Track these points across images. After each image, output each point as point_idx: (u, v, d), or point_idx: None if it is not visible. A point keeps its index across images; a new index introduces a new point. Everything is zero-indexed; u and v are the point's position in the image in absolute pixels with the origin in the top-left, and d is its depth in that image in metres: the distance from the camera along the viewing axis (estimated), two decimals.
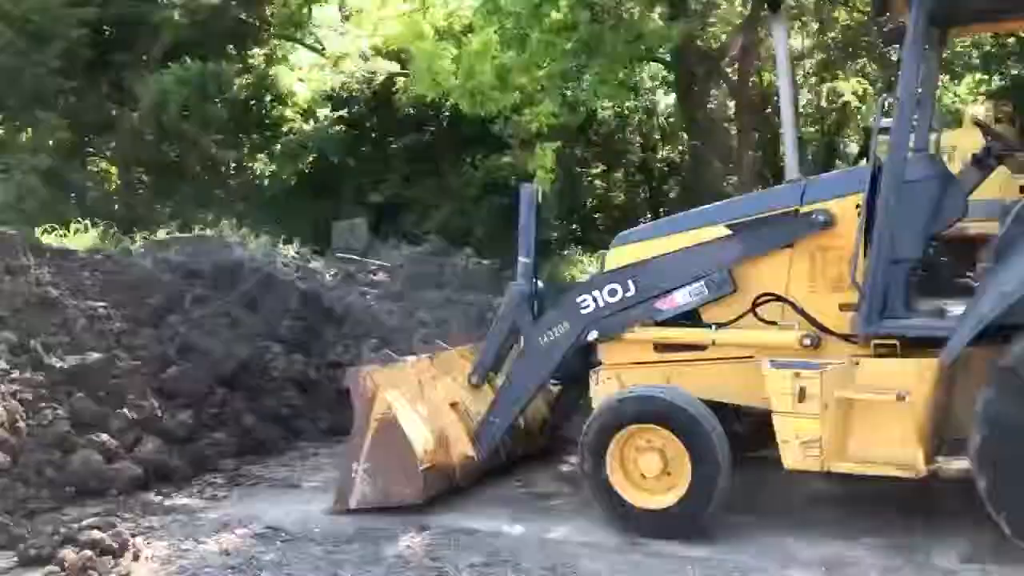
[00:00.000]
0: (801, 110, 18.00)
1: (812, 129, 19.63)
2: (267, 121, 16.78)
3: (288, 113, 16.77)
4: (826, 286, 4.71)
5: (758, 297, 4.88)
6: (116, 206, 15.91)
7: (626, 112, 19.50)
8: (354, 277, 12.06)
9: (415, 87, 11.95)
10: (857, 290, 4.47)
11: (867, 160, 4.79)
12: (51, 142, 14.11)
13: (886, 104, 4.50)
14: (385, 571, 4.32)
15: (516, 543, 4.66)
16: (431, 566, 4.36)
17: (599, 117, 17.74)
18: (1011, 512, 4.06)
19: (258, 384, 7.74)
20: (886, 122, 4.47)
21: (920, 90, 4.70)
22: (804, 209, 4.74)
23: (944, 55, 8.35)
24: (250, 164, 16.98)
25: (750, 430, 5.15)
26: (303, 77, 17.01)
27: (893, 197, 4.39)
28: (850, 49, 16.29)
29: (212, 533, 4.85)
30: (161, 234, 12.07)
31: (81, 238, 11.59)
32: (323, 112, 16.49)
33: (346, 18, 16.97)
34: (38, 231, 11.10)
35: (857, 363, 4.47)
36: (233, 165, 16.88)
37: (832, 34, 16.60)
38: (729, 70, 15.37)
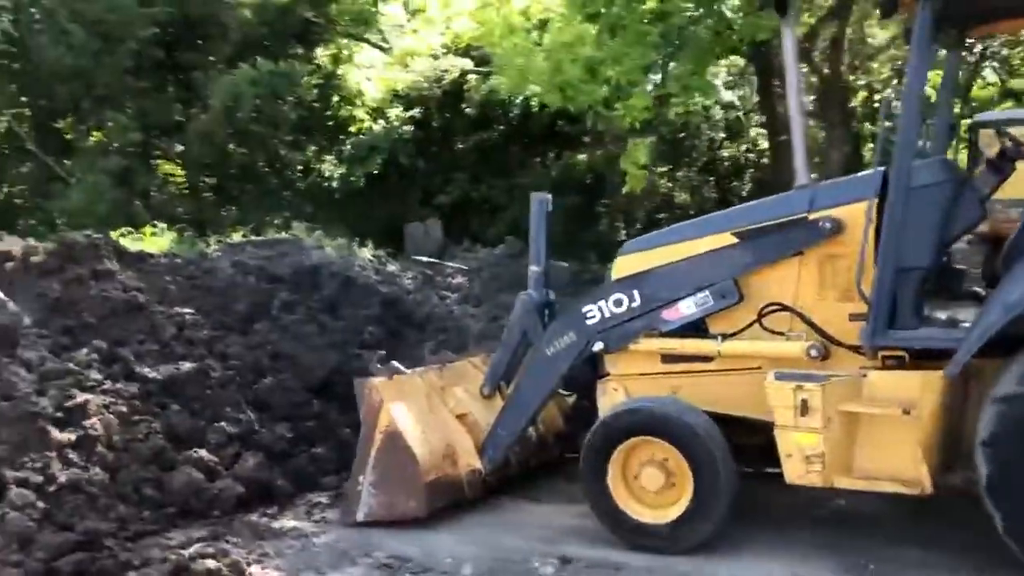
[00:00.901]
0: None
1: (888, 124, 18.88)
2: (335, 122, 16.50)
3: (358, 114, 16.48)
4: (835, 295, 4.56)
5: (764, 307, 4.72)
6: (180, 208, 15.77)
7: (691, 108, 18.91)
8: (432, 280, 11.71)
9: (501, 84, 11.55)
10: (863, 300, 4.31)
11: (876, 164, 4.61)
12: (121, 144, 13.95)
13: (890, 107, 4.49)
14: None
15: None
16: None
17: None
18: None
19: (350, 393, 7.40)
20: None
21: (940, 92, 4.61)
22: (813, 216, 4.57)
23: None
24: (318, 166, 16.72)
25: (764, 443, 4.71)
26: (371, 77, 16.70)
27: (900, 203, 4.24)
28: None
29: (332, 563, 4.47)
30: (236, 237, 11.81)
31: (155, 241, 11.39)
32: (394, 113, 16.16)
33: (413, 15, 16.65)
34: (112, 234, 10.90)
35: (864, 375, 4.31)
36: (300, 167, 16.63)
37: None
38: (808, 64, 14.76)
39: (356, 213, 15.78)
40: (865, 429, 4.26)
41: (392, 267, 11.89)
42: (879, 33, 15.13)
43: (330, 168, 16.82)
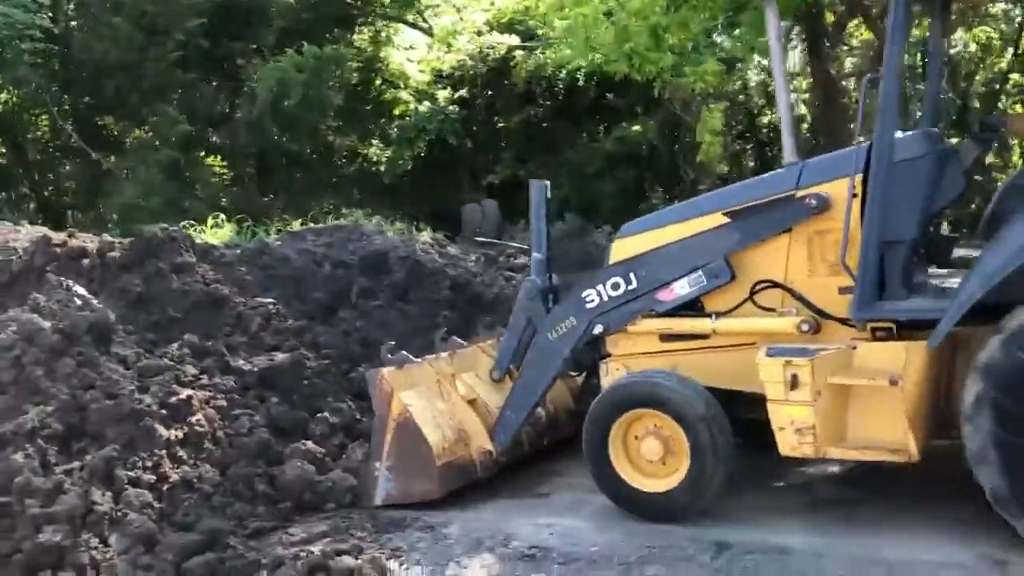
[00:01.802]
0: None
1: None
2: (379, 106, 16.28)
3: (403, 95, 16.26)
4: (825, 270, 4.65)
5: (755, 284, 4.83)
6: (225, 199, 15.63)
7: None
8: (495, 261, 11.50)
9: (563, 56, 11.27)
10: (848, 274, 4.42)
11: (857, 138, 4.66)
12: (170, 137, 13.82)
13: (871, 81, 4.42)
14: None
15: (846, 565, 3.98)
16: None
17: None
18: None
19: None
20: None
21: (927, 62, 4.69)
22: (800, 193, 4.67)
23: None
24: (364, 150, 16.52)
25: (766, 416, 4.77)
26: (412, 58, 16.46)
27: (882, 177, 4.31)
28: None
29: (469, 553, 4.30)
30: (295, 225, 11.67)
31: (216, 233, 11.25)
32: (441, 93, 15.91)
33: None
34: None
35: (854, 347, 4.41)
36: (346, 153, 16.44)
37: None
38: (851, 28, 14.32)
39: (404, 197, 15.60)
40: (854, 400, 4.35)
41: (453, 249, 11.71)
42: None
43: (376, 152, 16.62)
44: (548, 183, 5.76)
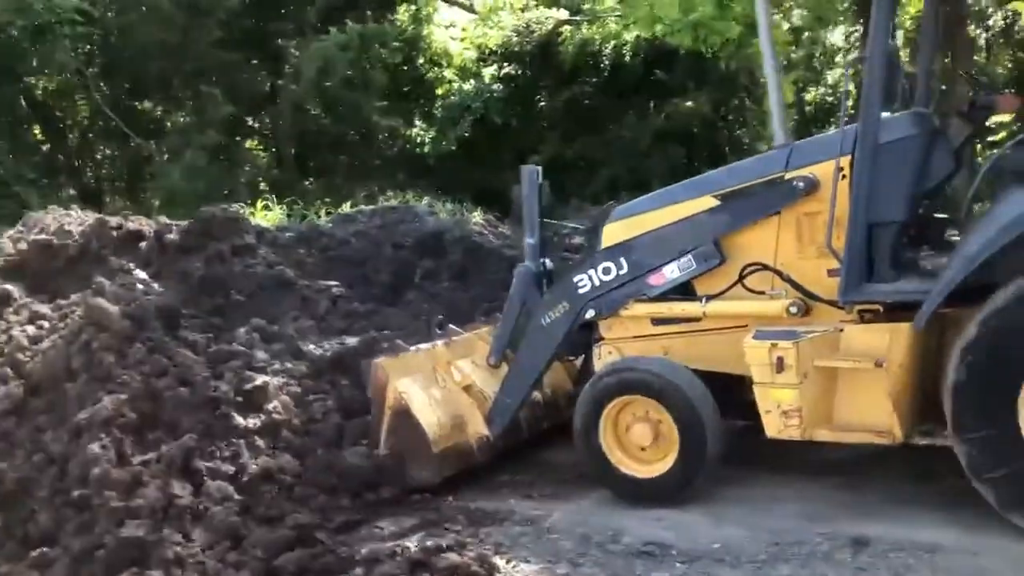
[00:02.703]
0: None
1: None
2: (423, 84, 15.97)
3: (447, 74, 15.93)
4: (814, 252, 4.62)
5: (745, 267, 4.80)
6: (264, 182, 15.39)
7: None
8: (550, 241, 11.18)
9: (635, 27, 10.91)
10: (834, 256, 4.41)
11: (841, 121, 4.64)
12: (215, 119, 13.60)
13: (854, 65, 4.32)
14: None
15: (1007, 566, 3.66)
16: None
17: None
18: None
19: None
20: None
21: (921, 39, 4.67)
22: (789, 175, 4.65)
23: None
24: (408, 131, 16.22)
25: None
26: (455, 36, 16.13)
27: (867, 159, 4.29)
28: None
29: (579, 550, 4.00)
30: (346, 207, 11.42)
31: (265, 216, 11.03)
32: (487, 72, 15.57)
33: None
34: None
35: (841, 330, 4.40)
36: (388, 133, 16.15)
37: None
38: None
39: (449, 178, 15.27)
40: (841, 383, 4.34)
41: (505, 230, 11.42)
42: None
43: (419, 133, 16.32)
44: (539, 168, 5.68)
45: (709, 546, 3.97)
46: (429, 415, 5.08)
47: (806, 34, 9.76)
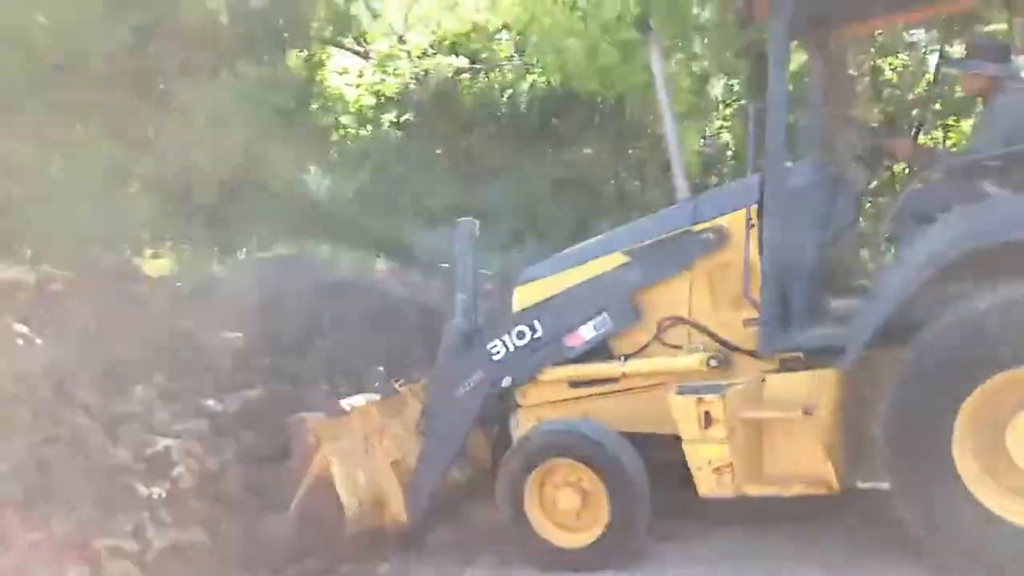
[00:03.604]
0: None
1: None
2: (318, 131, 15.55)
3: (343, 120, 15.58)
4: (728, 304, 4.59)
5: (662, 322, 4.76)
6: (149, 229, 14.61)
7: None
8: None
9: (542, 72, 10.83)
10: (752, 306, 4.38)
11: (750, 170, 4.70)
12: (97, 164, 12.81)
13: (755, 113, 4.47)
14: None
15: None
16: None
17: None
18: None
19: None
20: None
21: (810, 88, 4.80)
22: (697, 228, 4.65)
23: None
24: (301, 177, 15.73)
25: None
26: (352, 82, 15.85)
27: (776, 207, 4.31)
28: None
29: None
30: (240, 255, 10.92)
31: (154, 265, 10.41)
32: (386, 118, 15.32)
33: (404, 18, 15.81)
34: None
35: (763, 380, 4.35)
36: (279, 179, 15.62)
37: None
38: None
39: (345, 224, 14.84)
40: (769, 434, 4.26)
41: (412, 278, 11.15)
42: None
43: (314, 179, 15.87)
44: (477, 221, 5.54)
45: None
46: (351, 495, 4.84)
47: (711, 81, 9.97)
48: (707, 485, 4.22)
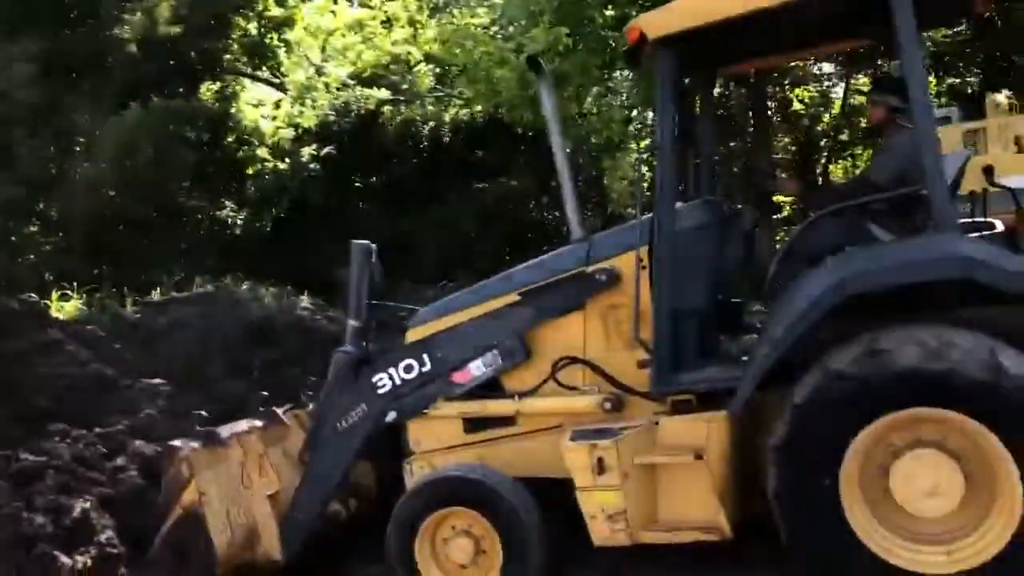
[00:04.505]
0: None
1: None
2: (233, 164, 15.06)
3: (260, 153, 15.12)
4: (621, 344, 4.58)
5: (557, 362, 4.73)
6: (50, 269, 13.82)
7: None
8: (388, 325, 10.63)
9: (464, 103, 10.65)
10: (643, 347, 4.36)
11: (636, 210, 4.73)
12: None
13: (643, 155, 4.36)
14: None
15: None
16: None
17: None
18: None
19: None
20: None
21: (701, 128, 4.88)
22: (590, 268, 4.65)
23: None
24: (218, 212, 15.20)
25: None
26: (268, 114, 15.43)
27: (666, 248, 4.32)
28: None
29: None
30: (154, 295, 10.38)
31: (61, 307, 9.76)
32: (305, 151, 14.92)
33: (322, 48, 15.48)
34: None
35: (656, 423, 4.29)
36: (198, 215, 15.07)
37: None
38: None
39: (263, 260, 14.35)
40: (662, 479, 4.20)
41: (337, 314, 10.75)
42: None
43: (230, 214, 15.35)
44: (374, 245, 5.38)
45: None
46: (222, 531, 4.60)
47: (634, 112, 9.94)
48: (602, 534, 4.12)
